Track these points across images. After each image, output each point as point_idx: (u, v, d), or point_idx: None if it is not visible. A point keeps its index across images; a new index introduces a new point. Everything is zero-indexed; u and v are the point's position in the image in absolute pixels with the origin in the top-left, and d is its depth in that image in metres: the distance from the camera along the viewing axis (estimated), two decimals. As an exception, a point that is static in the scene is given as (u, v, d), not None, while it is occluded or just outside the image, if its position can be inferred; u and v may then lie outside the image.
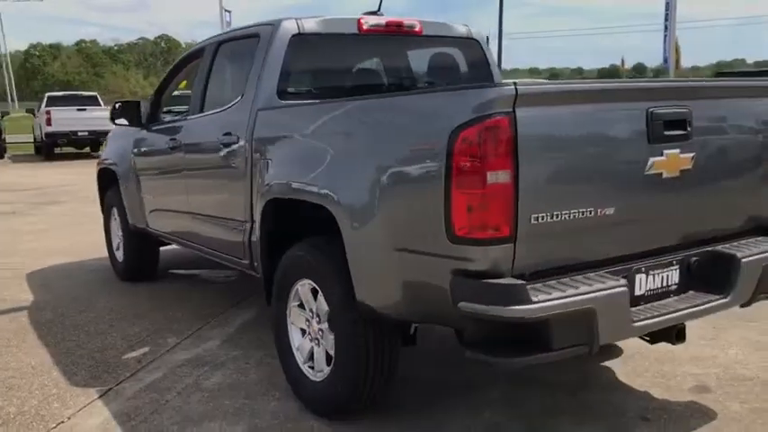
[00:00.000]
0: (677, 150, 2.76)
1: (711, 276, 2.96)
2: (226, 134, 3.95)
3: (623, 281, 2.59)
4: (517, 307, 2.36)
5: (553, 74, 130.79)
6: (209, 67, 4.49)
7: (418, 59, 4.47)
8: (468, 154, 2.39)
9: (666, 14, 19.66)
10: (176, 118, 5.06)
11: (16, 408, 3.51)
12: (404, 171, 2.67)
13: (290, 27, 3.84)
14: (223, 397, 3.57)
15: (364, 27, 4.02)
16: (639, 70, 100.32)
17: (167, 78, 5.38)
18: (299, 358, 3.42)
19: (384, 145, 2.77)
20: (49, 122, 19.05)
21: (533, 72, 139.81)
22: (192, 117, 4.57)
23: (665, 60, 19.62)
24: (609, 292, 2.51)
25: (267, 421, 3.29)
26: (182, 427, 3.25)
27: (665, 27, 19.78)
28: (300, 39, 3.84)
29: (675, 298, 2.91)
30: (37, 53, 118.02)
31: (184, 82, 5.88)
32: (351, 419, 3.24)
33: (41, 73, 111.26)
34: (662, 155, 2.72)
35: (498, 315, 2.38)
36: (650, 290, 2.84)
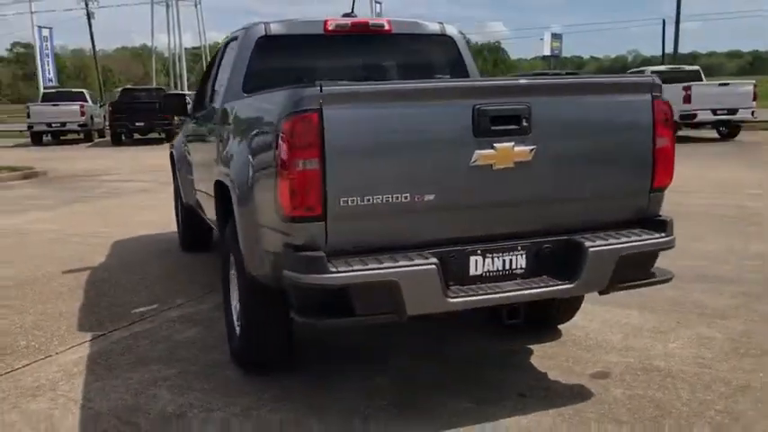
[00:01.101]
0: (511, 144, 2.98)
1: (561, 263, 3.14)
2: (213, 124, 4.58)
3: (433, 259, 2.88)
4: (316, 275, 2.77)
5: (757, 57, 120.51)
6: (218, 62, 5.14)
7: (390, 58, 4.81)
8: (286, 144, 2.81)
9: None
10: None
11: (26, 342, 4.39)
12: (258, 158, 3.15)
13: (257, 30, 4.38)
14: (182, 348, 4.21)
15: (329, 28, 4.46)
16: None
17: (208, 70, 6.10)
18: (234, 316, 3.97)
19: (247, 135, 3.26)
20: None
21: (733, 55, 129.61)
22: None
23: None
24: (414, 268, 2.83)
25: (198, 368, 3.89)
26: (132, 367, 3.93)
27: None
28: (267, 40, 4.36)
29: (518, 281, 3.12)
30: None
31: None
32: (261, 373, 3.75)
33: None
34: (492, 148, 2.96)
35: (302, 282, 2.81)
36: (489, 271, 3.08)
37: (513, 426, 3.16)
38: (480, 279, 3.08)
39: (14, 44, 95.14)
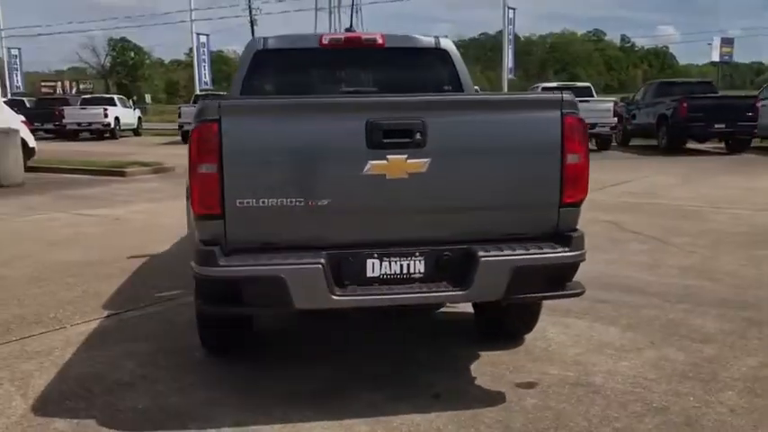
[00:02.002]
0: (404, 156, 3.18)
1: (458, 271, 3.29)
2: None
3: (321, 259, 3.14)
4: (207, 267, 3.13)
5: None
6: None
7: (382, 71, 5.05)
8: (193, 150, 3.18)
9: None
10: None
11: (54, 314, 5.07)
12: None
13: (255, 44, 4.80)
14: (176, 329, 4.68)
15: (324, 42, 4.80)
16: None
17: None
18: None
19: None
20: None
21: None
22: None
23: None
24: (300, 266, 3.12)
25: (176, 346, 4.35)
26: (121, 341, 4.47)
27: None
28: (264, 53, 4.77)
29: (417, 285, 3.30)
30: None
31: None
32: (219, 356, 4.17)
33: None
34: (385, 159, 3.17)
35: (198, 273, 3.18)
36: (386, 274, 3.29)
37: (406, 422, 3.34)
38: (378, 281, 3.29)
39: (191, 49, 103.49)
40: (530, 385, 3.75)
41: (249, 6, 52.98)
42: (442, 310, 4.88)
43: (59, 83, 64.89)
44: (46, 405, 3.57)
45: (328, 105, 3.29)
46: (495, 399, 3.59)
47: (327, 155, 3.20)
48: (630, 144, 21.89)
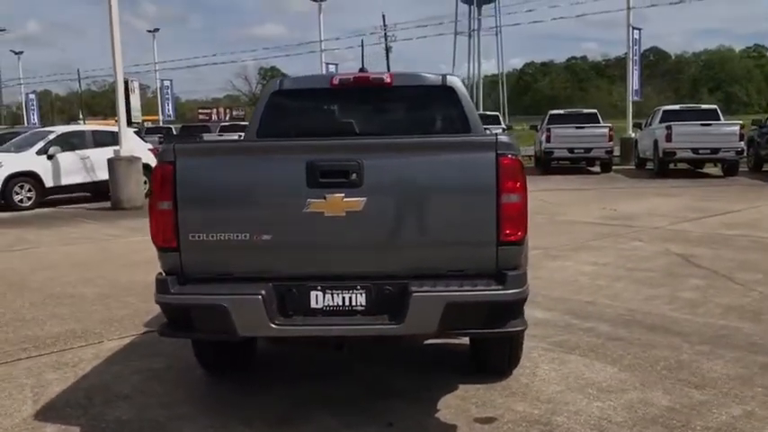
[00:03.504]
0: (341, 195, 3.37)
1: (395, 305, 3.42)
2: None
3: (262, 291, 3.38)
4: (160, 295, 3.47)
5: None
6: None
7: (390, 109, 5.23)
8: (154, 188, 3.55)
9: None
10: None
11: (100, 329, 5.63)
12: None
13: (272, 85, 5.14)
14: (176, 345, 4.92)
15: (334, 82, 5.06)
16: None
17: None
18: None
19: None
20: (548, 139, 20.83)
21: None
22: None
23: None
24: (241, 296, 3.38)
25: (178, 363, 4.72)
26: (141, 357, 4.91)
27: None
28: (280, 94, 5.10)
29: (358, 317, 3.46)
30: (530, 71, 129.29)
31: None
32: (216, 375, 4.50)
33: (531, 89, 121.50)
34: (323, 198, 3.38)
35: (156, 299, 3.51)
36: (329, 306, 3.48)
37: (348, 448, 3.50)
38: (322, 312, 3.49)
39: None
40: (488, 420, 3.78)
41: (385, 34, 54.33)
42: (443, 341, 4.96)
43: (215, 110, 69.45)
44: (47, 411, 4.04)
45: (271, 148, 3.56)
46: (443, 428, 3.66)
47: (271, 192, 3.46)
48: (764, 170, 20.41)
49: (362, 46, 5.67)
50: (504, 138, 3.40)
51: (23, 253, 9.58)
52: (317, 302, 3.48)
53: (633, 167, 22.46)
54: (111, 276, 7.70)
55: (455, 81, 5.08)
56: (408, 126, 4.98)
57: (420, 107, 5.15)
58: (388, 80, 5.01)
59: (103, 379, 4.52)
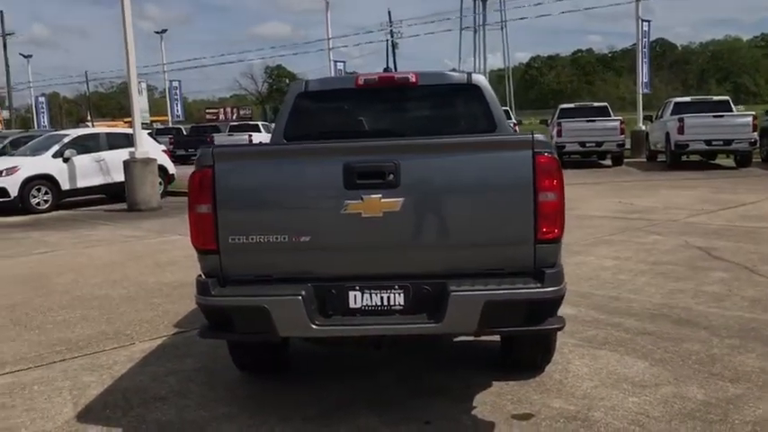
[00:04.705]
0: (378, 196, 3.40)
1: (434, 304, 3.45)
2: None
3: (302, 292, 3.42)
4: (202, 297, 3.51)
5: None
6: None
7: (416, 108, 5.25)
8: (192, 192, 3.58)
9: None
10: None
11: (131, 331, 5.69)
12: None
13: (297, 87, 5.17)
14: (209, 346, 5.02)
15: (359, 82, 5.08)
16: None
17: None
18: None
19: None
20: (559, 133, 20.78)
21: None
22: None
23: None
24: (282, 297, 3.42)
25: (218, 366, 4.76)
26: (174, 358, 4.97)
27: None
28: (305, 95, 5.12)
29: (395, 317, 3.50)
30: (536, 65, 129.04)
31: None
32: (258, 375, 4.56)
33: (537, 83, 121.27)
34: (360, 199, 3.41)
35: (197, 301, 3.56)
36: (368, 306, 3.51)
37: (388, 446, 3.54)
38: (360, 312, 3.52)
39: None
40: (525, 417, 3.81)
41: (390, 31, 54.37)
42: (470, 338, 4.98)
43: (222, 109, 69.58)
44: (88, 413, 4.09)
45: (308, 150, 3.59)
46: (483, 429, 3.69)
47: (308, 195, 3.50)
48: (780, 160, 20.31)
49: (388, 44, 5.69)
50: (540, 136, 3.42)
51: (46, 256, 9.65)
52: (355, 302, 3.52)
53: (644, 160, 22.42)
54: (136, 278, 7.75)
55: (480, 79, 5.10)
56: (435, 125, 5.00)
57: (446, 106, 5.17)
58: (414, 80, 5.02)
59: (139, 380, 4.57)
